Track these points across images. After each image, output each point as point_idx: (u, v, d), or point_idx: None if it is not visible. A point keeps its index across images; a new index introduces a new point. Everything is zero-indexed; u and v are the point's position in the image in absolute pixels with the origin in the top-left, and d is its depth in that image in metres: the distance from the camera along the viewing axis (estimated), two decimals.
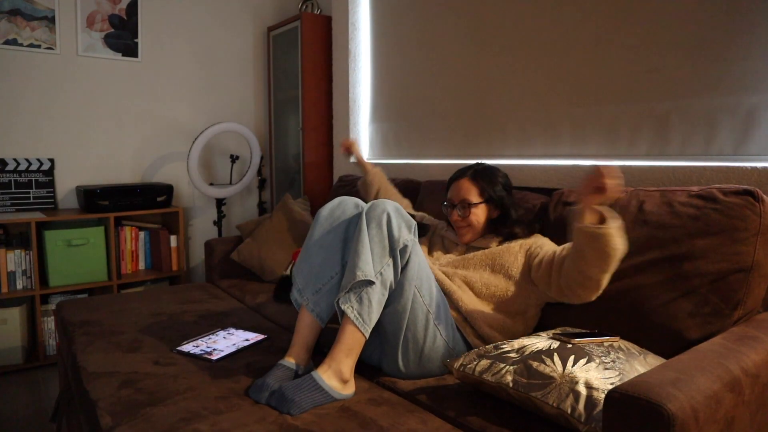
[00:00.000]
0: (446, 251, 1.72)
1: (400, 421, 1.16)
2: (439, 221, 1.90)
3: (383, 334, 1.41)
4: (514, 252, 1.55)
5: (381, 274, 1.30)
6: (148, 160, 3.29)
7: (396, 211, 1.35)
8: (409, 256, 1.34)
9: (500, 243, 1.62)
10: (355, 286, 1.28)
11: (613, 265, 1.25)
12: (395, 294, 1.34)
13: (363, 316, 1.27)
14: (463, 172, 1.71)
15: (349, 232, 1.40)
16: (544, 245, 1.53)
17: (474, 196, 1.64)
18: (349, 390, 1.28)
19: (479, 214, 1.64)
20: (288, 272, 1.85)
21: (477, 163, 1.73)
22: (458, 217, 1.65)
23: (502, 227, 1.64)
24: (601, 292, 1.31)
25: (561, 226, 1.60)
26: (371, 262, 1.28)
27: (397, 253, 1.31)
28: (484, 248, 1.63)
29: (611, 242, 1.21)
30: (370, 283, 1.28)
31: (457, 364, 1.26)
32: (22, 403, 2.30)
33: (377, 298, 1.29)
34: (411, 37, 2.64)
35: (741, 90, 1.50)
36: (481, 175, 1.66)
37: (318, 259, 1.40)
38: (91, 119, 3.08)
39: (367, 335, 1.29)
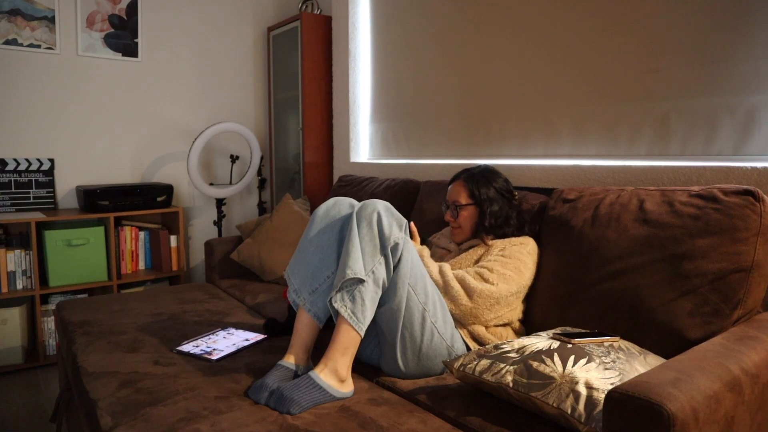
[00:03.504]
0: (440, 259, 1.73)
1: (400, 421, 1.16)
2: (438, 233, 1.91)
3: (380, 334, 1.41)
4: (494, 252, 1.59)
5: (373, 272, 1.30)
6: (148, 160, 3.29)
7: (386, 209, 1.36)
8: (401, 254, 1.34)
9: (485, 242, 1.66)
10: (346, 285, 1.29)
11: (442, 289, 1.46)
12: (389, 292, 1.34)
13: (357, 314, 1.28)
14: (459, 174, 1.74)
15: (344, 231, 1.40)
16: (492, 259, 1.56)
17: (463, 198, 1.67)
18: (347, 388, 1.28)
19: (466, 215, 1.67)
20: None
21: (477, 166, 1.74)
22: (450, 217, 1.70)
23: (482, 230, 1.66)
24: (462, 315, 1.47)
25: (561, 224, 1.60)
26: (361, 261, 1.29)
27: (388, 251, 1.32)
28: (472, 247, 1.66)
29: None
30: (362, 281, 1.29)
31: (457, 364, 1.26)
32: (22, 403, 2.30)
33: (370, 296, 1.30)
34: (411, 37, 2.64)
35: (741, 90, 1.50)
36: (475, 178, 1.69)
37: (314, 259, 1.41)
38: (91, 119, 3.08)
39: (362, 333, 1.29)
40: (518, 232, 1.65)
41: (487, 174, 1.70)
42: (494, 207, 1.64)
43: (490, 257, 1.57)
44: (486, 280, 1.48)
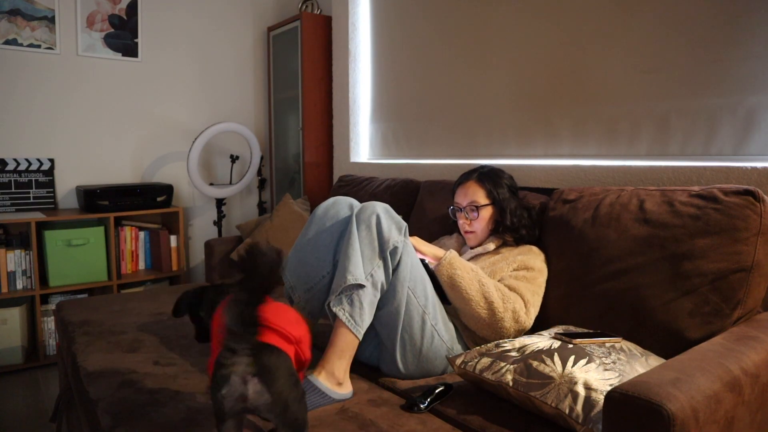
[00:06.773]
0: None
1: (399, 422, 1.16)
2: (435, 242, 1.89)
3: (380, 336, 1.41)
4: (509, 262, 1.55)
5: (372, 275, 1.30)
6: (148, 160, 3.29)
7: (386, 212, 1.35)
8: (400, 257, 1.34)
9: (498, 246, 1.64)
10: (345, 289, 1.28)
11: (464, 301, 1.41)
12: (388, 296, 1.34)
13: (355, 318, 1.28)
14: (468, 175, 1.72)
15: (343, 232, 1.40)
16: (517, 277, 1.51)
17: (481, 198, 1.65)
18: (345, 390, 1.28)
19: (485, 216, 1.65)
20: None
21: (482, 166, 1.74)
22: (466, 220, 1.67)
23: (503, 230, 1.64)
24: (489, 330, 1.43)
25: (561, 225, 1.60)
26: (361, 265, 1.29)
27: (387, 254, 1.32)
28: (481, 254, 1.64)
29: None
30: (361, 286, 1.28)
31: (459, 361, 1.26)
32: (22, 403, 2.30)
33: (368, 299, 1.29)
34: (411, 37, 2.64)
35: (741, 90, 1.50)
36: (487, 177, 1.67)
37: (310, 258, 1.41)
38: (91, 119, 3.08)
39: (360, 337, 1.29)
40: (530, 235, 1.64)
41: (497, 173, 1.70)
42: (512, 205, 1.64)
43: (514, 273, 1.52)
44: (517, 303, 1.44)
